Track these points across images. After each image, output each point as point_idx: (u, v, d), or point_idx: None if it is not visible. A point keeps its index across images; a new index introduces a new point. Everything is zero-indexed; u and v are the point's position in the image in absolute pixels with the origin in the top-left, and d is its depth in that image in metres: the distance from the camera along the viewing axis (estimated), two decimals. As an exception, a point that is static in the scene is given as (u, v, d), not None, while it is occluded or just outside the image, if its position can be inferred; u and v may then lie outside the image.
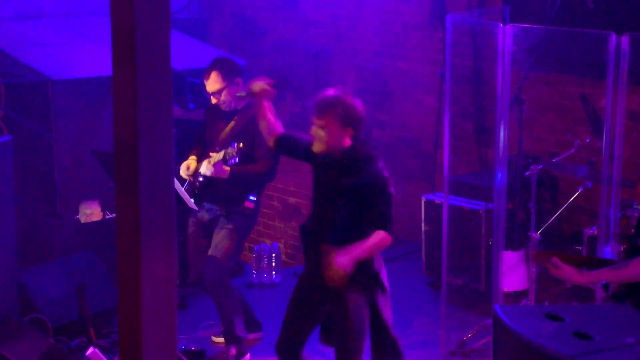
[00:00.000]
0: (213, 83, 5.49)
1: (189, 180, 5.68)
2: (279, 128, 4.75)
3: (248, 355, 5.73)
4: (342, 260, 4.29)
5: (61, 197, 6.65)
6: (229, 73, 5.49)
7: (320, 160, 4.56)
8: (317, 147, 4.50)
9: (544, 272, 6.27)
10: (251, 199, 5.60)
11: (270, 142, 4.80)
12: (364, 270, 4.44)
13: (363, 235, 4.42)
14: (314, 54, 8.39)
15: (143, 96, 1.70)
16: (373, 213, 4.42)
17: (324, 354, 5.27)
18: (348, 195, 4.45)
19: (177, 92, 6.68)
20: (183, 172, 5.66)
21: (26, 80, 6.59)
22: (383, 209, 4.42)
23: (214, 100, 5.56)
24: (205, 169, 5.53)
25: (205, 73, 5.55)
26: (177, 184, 5.45)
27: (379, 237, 4.39)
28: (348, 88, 4.68)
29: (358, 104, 4.48)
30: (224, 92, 5.50)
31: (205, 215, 5.70)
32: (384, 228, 4.40)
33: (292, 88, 8.24)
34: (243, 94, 5.07)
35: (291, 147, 4.74)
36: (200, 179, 5.63)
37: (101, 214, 6.84)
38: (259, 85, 4.77)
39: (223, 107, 5.57)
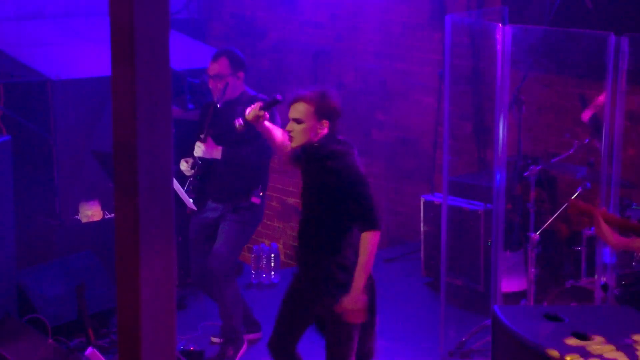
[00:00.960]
0: (219, 67, 5.60)
1: (190, 180, 5.67)
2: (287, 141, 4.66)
3: (245, 346, 5.74)
4: (350, 301, 4.26)
5: (60, 197, 6.64)
6: (236, 64, 5.62)
7: (301, 159, 4.50)
8: (293, 143, 4.46)
9: (543, 273, 6.29)
10: (257, 195, 5.61)
11: (285, 157, 4.79)
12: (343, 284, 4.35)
13: (344, 232, 4.35)
14: (313, 54, 8.39)
15: (142, 96, 1.70)
16: (352, 211, 4.32)
17: (321, 353, 5.26)
18: (322, 193, 4.38)
19: (176, 92, 6.69)
20: (183, 165, 5.65)
21: (26, 81, 6.59)
22: (362, 204, 4.31)
23: (210, 84, 5.65)
24: (197, 148, 5.58)
25: (214, 56, 5.66)
26: (176, 184, 5.45)
27: (368, 245, 4.28)
28: (331, 85, 4.72)
29: (334, 96, 4.44)
30: (224, 81, 5.57)
31: (209, 215, 5.70)
32: (369, 226, 4.29)
33: (290, 91, 8.26)
34: (241, 125, 5.12)
35: None
36: (199, 163, 5.61)
37: (101, 214, 6.84)
38: (251, 113, 4.96)
39: (216, 94, 5.60)
